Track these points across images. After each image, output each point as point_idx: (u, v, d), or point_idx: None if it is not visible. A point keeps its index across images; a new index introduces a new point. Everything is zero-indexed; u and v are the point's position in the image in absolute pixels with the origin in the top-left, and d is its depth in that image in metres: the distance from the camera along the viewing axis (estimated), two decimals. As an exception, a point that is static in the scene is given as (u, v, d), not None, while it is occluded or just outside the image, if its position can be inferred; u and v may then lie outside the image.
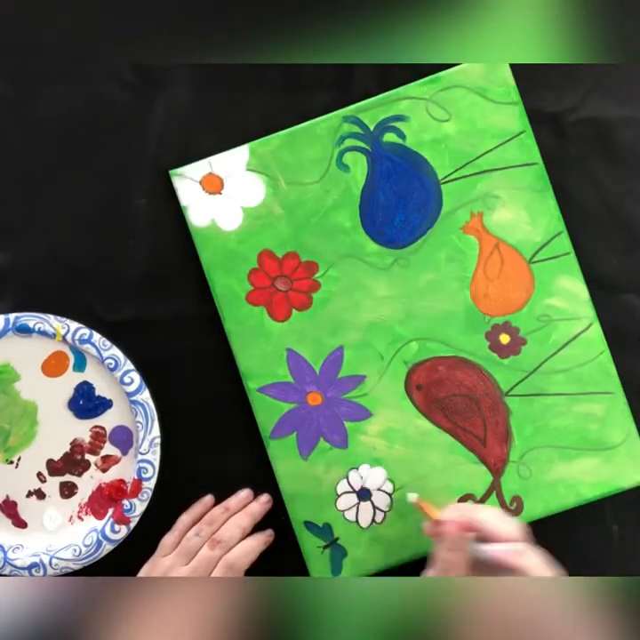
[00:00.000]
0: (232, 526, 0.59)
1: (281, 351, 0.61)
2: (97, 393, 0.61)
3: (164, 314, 0.62)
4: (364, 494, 0.61)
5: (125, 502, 0.61)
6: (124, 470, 0.61)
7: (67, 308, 0.61)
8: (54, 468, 0.62)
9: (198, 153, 0.62)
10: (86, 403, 0.61)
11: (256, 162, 0.61)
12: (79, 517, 0.62)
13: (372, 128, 0.61)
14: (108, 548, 0.61)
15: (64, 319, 0.60)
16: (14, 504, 0.62)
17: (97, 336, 0.60)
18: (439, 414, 0.61)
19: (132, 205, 0.62)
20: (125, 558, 0.61)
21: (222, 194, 0.61)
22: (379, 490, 0.61)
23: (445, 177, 0.61)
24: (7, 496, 0.62)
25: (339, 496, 0.61)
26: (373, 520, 0.61)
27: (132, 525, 0.61)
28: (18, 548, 0.61)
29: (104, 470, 0.62)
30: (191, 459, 0.62)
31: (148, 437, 0.60)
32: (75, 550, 0.61)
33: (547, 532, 0.62)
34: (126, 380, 0.60)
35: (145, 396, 0.60)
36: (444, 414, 0.61)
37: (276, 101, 0.62)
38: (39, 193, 0.62)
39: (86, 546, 0.61)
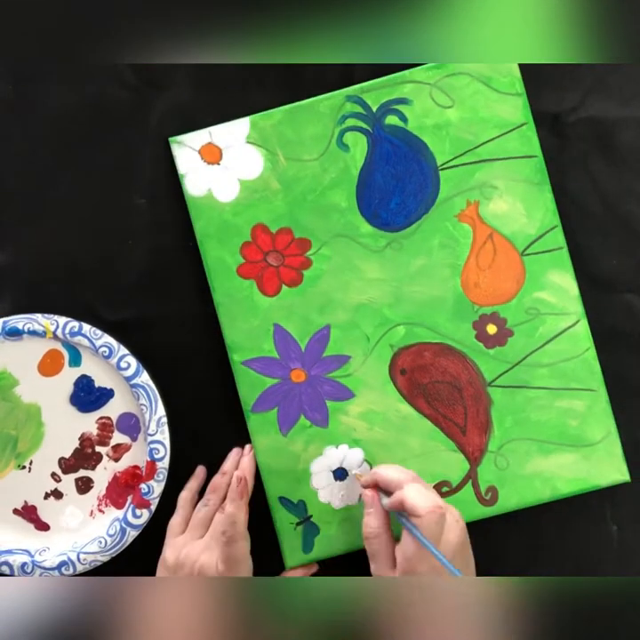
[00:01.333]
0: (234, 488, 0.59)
1: (268, 326, 0.61)
2: (97, 384, 0.61)
3: (165, 314, 0.62)
4: (339, 474, 0.61)
5: (143, 486, 0.60)
6: (136, 456, 0.61)
7: (67, 308, 0.62)
8: (67, 465, 0.61)
9: None
10: (88, 396, 0.61)
11: (256, 135, 0.61)
12: (99, 510, 0.62)
13: (374, 109, 0.61)
14: (132, 534, 0.61)
15: (51, 316, 0.60)
16: (33, 508, 0.62)
17: (87, 327, 0.60)
18: (421, 400, 0.61)
19: (132, 205, 0.62)
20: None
21: (220, 164, 0.61)
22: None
23: (444, 163, 0.61)
24: (25, 501, 0.62)
25: (314, 474, 0.61)
26: (347, 500, 0.61)
27: (154, 508, 0.61)
28: (44, 550, 0.61)
29: (116, 459, 0.61)
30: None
31: (155, 418, 0.60)
32: (100, 542, 0.61)
33: (545, 533, 0.63)
34: (123, 365, 0.60)
35: (144, 378, 0.60)
36: (426, 400, 0.61)
37: (276, 102, 0.62)
38: (39, 193, 0.62)
39: (111, 536, 0.61)
